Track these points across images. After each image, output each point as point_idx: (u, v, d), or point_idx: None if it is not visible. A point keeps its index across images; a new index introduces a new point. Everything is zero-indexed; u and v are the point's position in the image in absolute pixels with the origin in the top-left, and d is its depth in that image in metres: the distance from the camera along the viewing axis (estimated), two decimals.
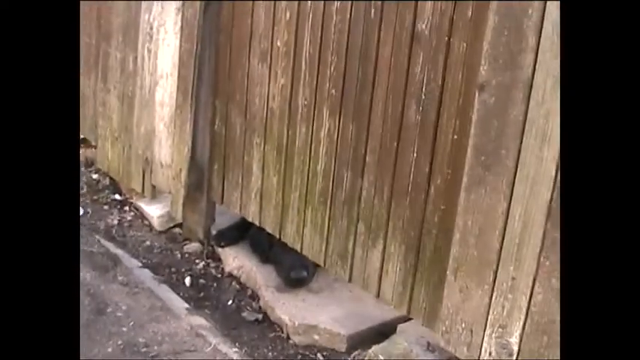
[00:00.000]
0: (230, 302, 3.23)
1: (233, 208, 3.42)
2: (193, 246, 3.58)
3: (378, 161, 2.68)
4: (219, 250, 3.49)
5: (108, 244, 3.52)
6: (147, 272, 3.35)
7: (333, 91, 2.82)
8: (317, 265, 3.18)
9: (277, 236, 3.19)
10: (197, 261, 3.51)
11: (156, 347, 2.82)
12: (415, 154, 2.55)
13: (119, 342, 2.82)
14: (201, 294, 3.29)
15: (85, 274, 3.14)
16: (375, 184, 2.71)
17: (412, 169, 2.57)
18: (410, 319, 2.78)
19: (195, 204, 3.54)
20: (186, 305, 3.14)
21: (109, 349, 2.77)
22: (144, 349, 2.79)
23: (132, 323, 2.95)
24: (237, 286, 3.33)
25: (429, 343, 2.68)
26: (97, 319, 2.93)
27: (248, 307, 3.19)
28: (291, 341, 2.95)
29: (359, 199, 2.79)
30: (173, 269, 3.44)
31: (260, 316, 3.11)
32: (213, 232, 3.54)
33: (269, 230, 3.24)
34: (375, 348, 2.71)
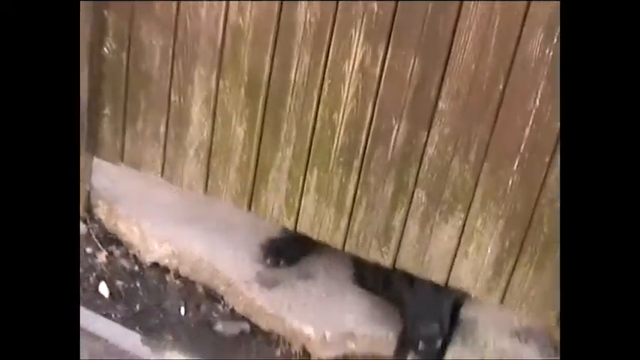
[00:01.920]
0: (183, 311, 2.24)
1: (147, 170, 2.31)
2: None
3: (463, 109, 1.90)
4: (119, 225, 2.38)
5: None
6: None
7: (375, 5, 1.90)
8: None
9: (244, 208, 2.23)
10: (88, 250, 2.35)
11: None
12: (537, 102, 1.83)
13: None
14: (137, 307, 2.21)
15: None
16: (455, 139, 1.94)
17: (531, 122, 1.86)
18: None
19: None
20: (137, 336, 2.09)
21: None
22: None
23: None
24: (178, 283, 2.31)
25: (518, 334, 2.13)
26: None
27: (214, 314, 2.24)
28: (314, 358, 2.14)
29: (420, 159, 2.00)
30: None
31: (246, 327, 2.20)
32: None
33: (226, 201, 2.25)
34: (456, 350, 2.07)
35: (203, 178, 2.26)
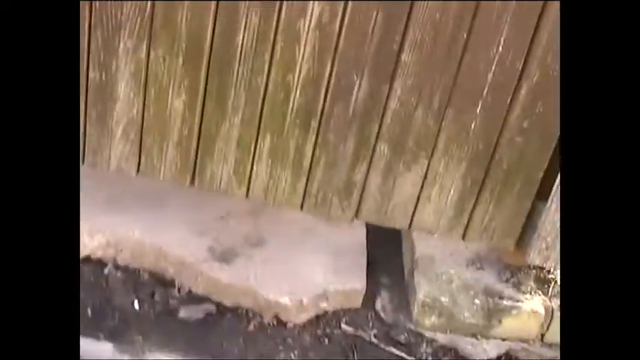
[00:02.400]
0: (137, 304, 2.05)
1: None
2: None
3: (427, 59, 1.88)
4: None
5: None
6: None
7: None
8: None
9: (187, 183, 2.06)
10: None
11: None
12: (500, 47, 1.86)
13: None
14: (88, 311, 1.98)
15: None
16: (418, 89, 1.92)
17: (494, 67, 1.89)
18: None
19: None
20: (106, 344, 1.89)
21: None
22: None
23: None
24: (119, 275, 2.10)
25: (474, 262, 2.23)
26: None
27: (172, 301, 2.08)
28: (290, 325, 2.09)
29: (382, 113, 1.96)
30: None
31: (211, 308, 2.08)
32: None
33: (164, 179, 2.06)
34: (426, 290, 2.13)
35: (135, 158, 2.04)
